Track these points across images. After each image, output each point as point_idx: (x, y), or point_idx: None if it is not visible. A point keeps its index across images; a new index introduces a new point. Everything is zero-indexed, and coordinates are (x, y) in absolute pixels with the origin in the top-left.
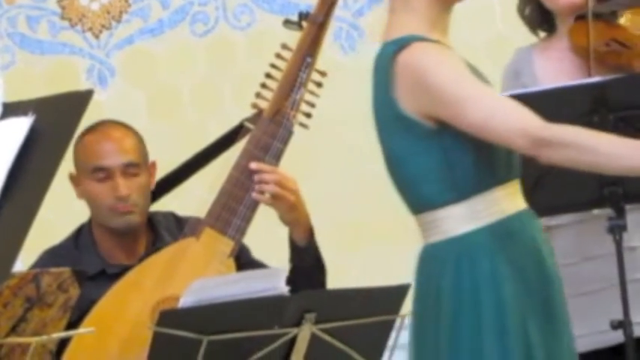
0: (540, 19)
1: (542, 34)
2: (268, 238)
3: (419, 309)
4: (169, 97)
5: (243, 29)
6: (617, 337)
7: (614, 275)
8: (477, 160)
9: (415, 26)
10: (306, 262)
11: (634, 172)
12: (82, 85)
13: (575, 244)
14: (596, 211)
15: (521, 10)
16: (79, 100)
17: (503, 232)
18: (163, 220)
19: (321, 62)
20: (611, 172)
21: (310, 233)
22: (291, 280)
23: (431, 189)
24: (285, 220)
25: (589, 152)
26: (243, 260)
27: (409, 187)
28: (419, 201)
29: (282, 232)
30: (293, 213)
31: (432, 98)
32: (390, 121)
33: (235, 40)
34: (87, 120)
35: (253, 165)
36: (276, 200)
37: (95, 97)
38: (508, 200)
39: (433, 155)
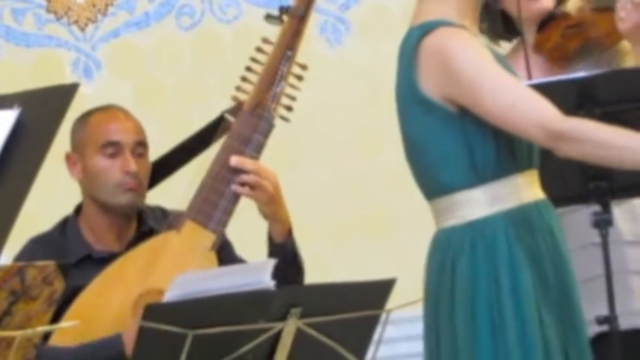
0: (502, 29)
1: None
2: (252, 233)
3: (433, 293)
4: (155, 90)
5: (229, 22)
6: None
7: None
8: (498, 146)
9: (445, 13)
10: (283, 260)
11: None
12: (68, 78)
13: None
14: (559, 210)
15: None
16: (65, 93)
17: (520, 219)
18: (151, 212)
19: (307, 56)
20: (626, 166)
21: (289, 231)
22: None
23: (450, 172)
24: (263, 213)
25: (604, 147)
26: (225, 255)
27: (428, 170)
28: (437, 185)
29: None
30: (272, 206)
31: (454, 83)
32: (412, 104)
33: (221, 34)
34: (72, 113)
35: (233, 161)
36: (254, 191)
37: (81, 90)
38: (527, 188)
39: (454, 139)
